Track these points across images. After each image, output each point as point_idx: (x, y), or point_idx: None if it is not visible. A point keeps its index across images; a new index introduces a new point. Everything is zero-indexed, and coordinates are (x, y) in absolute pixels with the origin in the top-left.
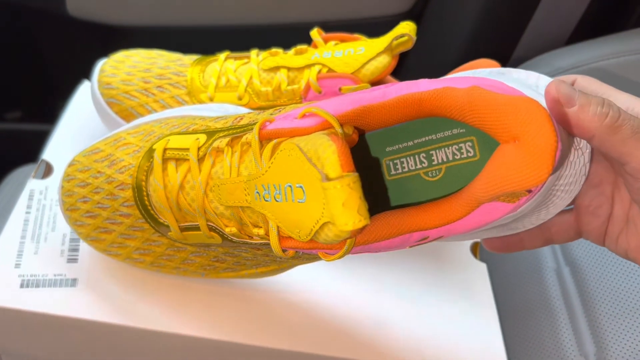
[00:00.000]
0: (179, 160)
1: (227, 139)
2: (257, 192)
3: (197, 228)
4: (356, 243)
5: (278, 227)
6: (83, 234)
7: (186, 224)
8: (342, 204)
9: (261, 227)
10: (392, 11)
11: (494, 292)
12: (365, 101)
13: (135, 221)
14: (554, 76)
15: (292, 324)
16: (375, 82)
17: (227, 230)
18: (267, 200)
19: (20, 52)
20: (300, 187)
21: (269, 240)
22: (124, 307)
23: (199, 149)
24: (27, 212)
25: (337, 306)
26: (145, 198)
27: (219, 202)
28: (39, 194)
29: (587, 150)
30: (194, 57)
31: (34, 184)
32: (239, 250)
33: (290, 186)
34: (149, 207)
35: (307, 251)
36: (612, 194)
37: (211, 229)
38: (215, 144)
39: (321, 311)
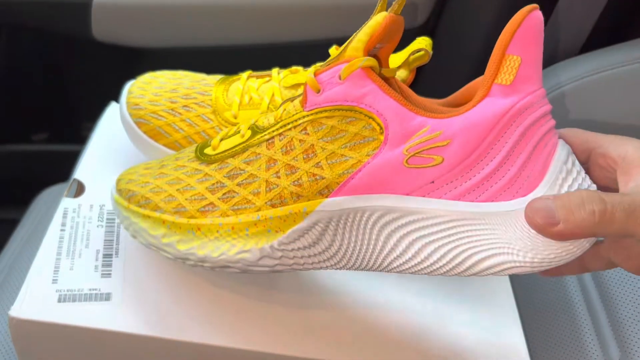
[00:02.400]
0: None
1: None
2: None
3: (237, 132)
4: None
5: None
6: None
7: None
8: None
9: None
10: (407, 26)
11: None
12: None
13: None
14: (568, 85)
15: (314, 331)
16: None
17: (265, 118)
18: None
19: (46, 75)
20: None
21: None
22: (156, 319)
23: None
24: (62, 230)
25: (363, 312)
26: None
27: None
28: (72, 212)
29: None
30: (217, 77)
31: (67, 203)
32: (246, 163)
33: None
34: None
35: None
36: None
37: (251, 126)
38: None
39: (346, 318)
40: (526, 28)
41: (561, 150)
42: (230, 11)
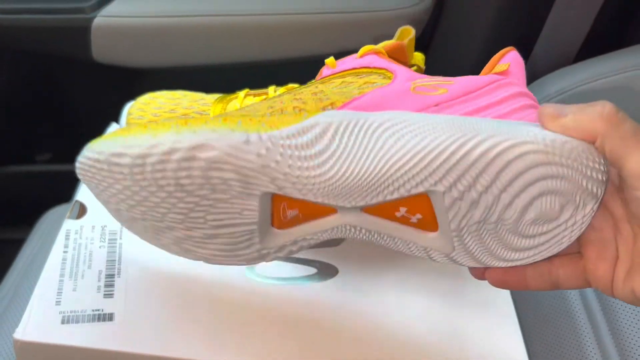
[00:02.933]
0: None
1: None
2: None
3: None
4: None
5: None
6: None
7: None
8: None
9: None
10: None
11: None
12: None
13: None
14: (565, 93)
15: (317, 348)
16: None
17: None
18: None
19: (49, 96)
20: None
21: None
22: (160, 338)
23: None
24: (65, 251)
25: (362, 318)
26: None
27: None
28: (74, 233)
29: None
30: (215, 96)
31: (69, 224)
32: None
33: None
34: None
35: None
36: (614, 235)
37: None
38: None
39: (347, 331)
40: (510, 57)
41: None
42: (226, 30)
